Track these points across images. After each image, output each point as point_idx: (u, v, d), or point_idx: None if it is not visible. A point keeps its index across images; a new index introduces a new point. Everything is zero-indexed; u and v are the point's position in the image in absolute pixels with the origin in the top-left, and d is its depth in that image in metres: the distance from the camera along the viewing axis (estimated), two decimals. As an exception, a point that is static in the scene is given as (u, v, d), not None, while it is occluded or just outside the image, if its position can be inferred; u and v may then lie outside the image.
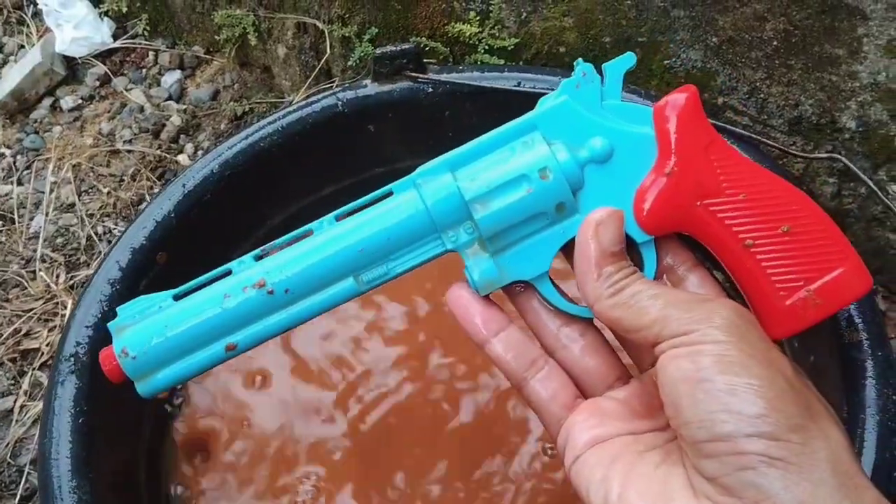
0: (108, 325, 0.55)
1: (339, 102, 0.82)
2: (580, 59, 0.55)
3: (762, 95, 0.88)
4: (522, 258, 0.55)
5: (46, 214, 1.21)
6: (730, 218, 0.53)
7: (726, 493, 0.43)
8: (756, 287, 0.53)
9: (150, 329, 0.54)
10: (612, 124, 0.54)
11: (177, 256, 0.78)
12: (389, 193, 0.55)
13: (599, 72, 0.55)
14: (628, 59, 0.54)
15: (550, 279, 0.56)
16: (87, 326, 0.74)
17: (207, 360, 0.55)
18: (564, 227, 0.54)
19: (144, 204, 1.15)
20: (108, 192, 1.22)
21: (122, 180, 1.23)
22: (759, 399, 0.42)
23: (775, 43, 0.84)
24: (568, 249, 0.54)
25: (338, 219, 0.55)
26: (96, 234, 1.19)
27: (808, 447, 0.42)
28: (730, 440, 0.42)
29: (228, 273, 0.55)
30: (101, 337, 0.73)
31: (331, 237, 0.54)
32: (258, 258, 0.55)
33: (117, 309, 0.55)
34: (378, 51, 0.81)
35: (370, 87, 0.82)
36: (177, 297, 0.55)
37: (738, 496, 0.42)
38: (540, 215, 0.54)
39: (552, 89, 0.56)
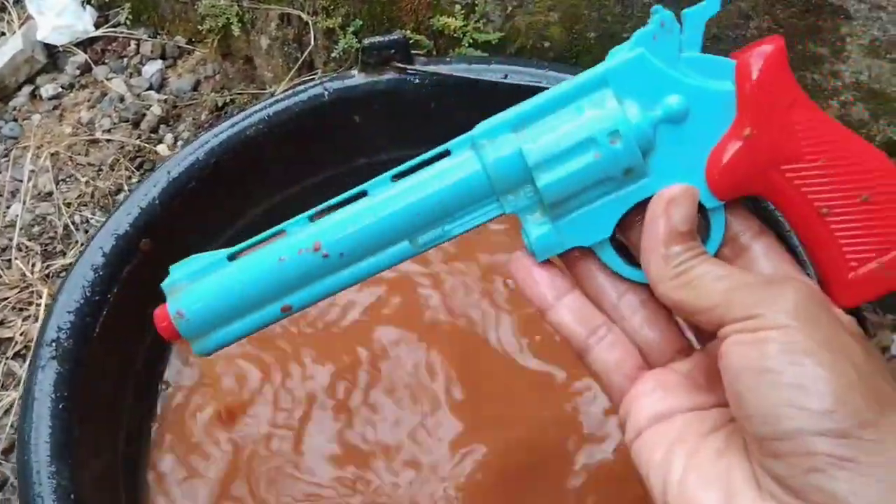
0: (162, 285, 0.53)
1: (326, 92, 0.82)
2: (659, 6, 0.50)
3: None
4: (584, 223, 0.52)
5: (24, 203, 1.20)
6: (807, 185, 0.50)
7: (793, 494, 0.40)
8: (827, 255, 0.51)
9: (205, 290, 0.53)
10: (690, 80, 0.50)
11: (161, 244, 0.78)
12: (447, 153, 0.52)
13: (678, 20, 0.50)
14: (712, 5, 0.50)
15: (611, 245, 0.53)
16: (68, 312, 0.73)
17: (263, 320, 0.53)
18: (630, 191, 0.51)
19: (126, 192, 1.15)
20: (87, 182, 1.21)
21: (100, 170, 1.22)
22: (826, 392, 0.40)
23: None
24: (627, 219, 0.52)
25: (394, 178, 0.52)
26: (73, 223, 1.18)
27: (881, 445, 0.39)
28: (796, 438, 0.40)
29: (283, 233, 0.53)
30: (83, 323, 0.73)
31: (387, 198, 0.52)
32: (312, 218, 0.53)
33: (170, 268, 0.53)
34: (366, 41, 0.81)
35: (357, 78, 0.82)
36: (231, 258, 0.53)
37: (806, 499, 0.40)
38: (607, 180, 0.50)
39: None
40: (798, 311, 0.42)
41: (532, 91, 0.52)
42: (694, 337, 0.55)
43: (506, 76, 0.79)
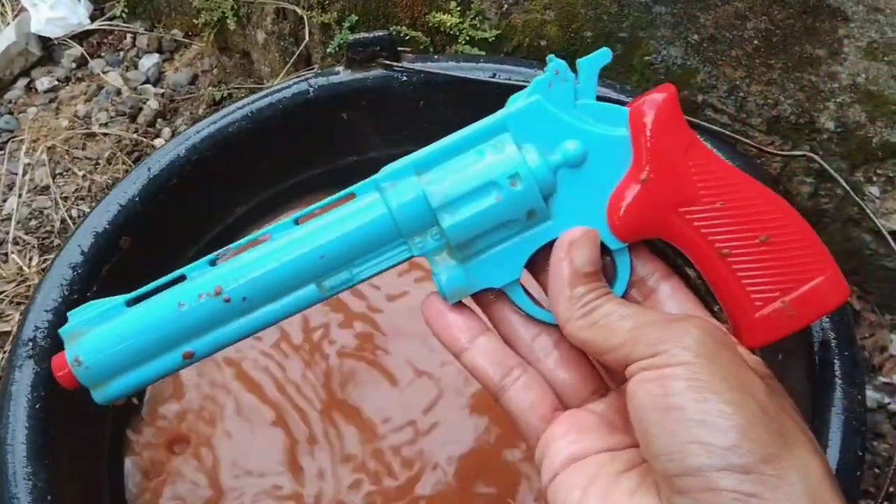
0: (60, 331, 0.53)
1: (311, 88, 0.80)
2: (552, 56, 0.52)
3: (741, 94, 0.87)
4: (492, 265, 0.52)
5: (20, 196, 1.19)
6: (706, 226, 0.51)
7: None
8: (730, 296, 0.52)
9: (103, 337, 0.52)
10: (586, 126, 0.51)
11: (141, 241, 0.77)
12: (352, 196, 0.52)
13: (573, 68, 0.52)
14: (604, 56, 0.52)
15: (522, 287, 0.53)
16: (46, 311, 0.72)
17: (164, 368, 0.52)
18: (536, 233, 0.52)
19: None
20: (84, 175, 1.20)
21: (97, 163, 1.22)
22: (730, 427, 0.40)
23: (756, 42, 0.84)
24: (535, 261, 0.53)
25: (297, 222, 0.52)
26: (70, 217, 1.18)
27: (784, 480, 0.40)
28: (701, 475, 0.40)
29: (183, 278, 0.52)
30: (60, 322, 0.70)
31: (290, 241, 0.51)
32: (213, 263, 0.52)
33: (68, 314, 0.53)
34: (352, 37, 0.79)
35: (343, 74, 0.81)
36: (129, 303, 0.52)
37: None
38: (510, 223, 0.51)
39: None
40: (700, 347, 0.43)
41: (521, 90, 0.52)
42: (607, 378, 0.55)
43: (494, 75, 0.78)
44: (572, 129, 0.51)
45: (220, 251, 0.53)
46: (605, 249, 0.52)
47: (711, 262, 0.51)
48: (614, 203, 0.51)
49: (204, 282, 0.51)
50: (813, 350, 0.65)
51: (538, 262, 0.53)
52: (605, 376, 0.54)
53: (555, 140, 0.51)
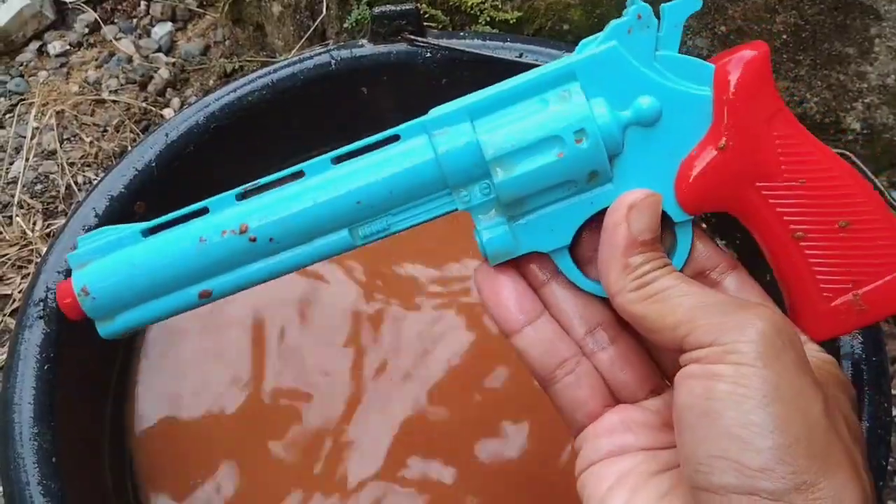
0: (67, 256, 0.49)
1: (333, 61, 0.79)
2: None
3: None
4: (542, 227, 0.48)
5: (26, 160, 1.18)
6: (783, 205, 0.47)
7: None
8: (798, 283, 0.48)
9: (114, 267, 0.48)
10: (664, 81, 0.46)
11: (155, 208, 0.75)
12: (396, 137, 0.48)
13: (656, 15, 0.46)
14: (692, 3, 0.46)
15: (570, 256, 0.49)
16: (58, 272, 0.71)
17: (178, 305, 0.49)
18: (593, 196, 0.47)
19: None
20: (91, 142, 1.19)
21: (105, 130, 1.21)
22: (767, 448, 0.37)
23: (784, 36, 0.83)
24: (588, 228, 0.48)
25: (334, 161, 0.48)
26: (76, 183, 1.17)
27: None
28: (725, 495, 0.37)
29: (205, 211, 0.49)
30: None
31: (325, 181, 0.47)
32: (240, 197, 0.48)
33: (78, 239, 0.50)
34: (377, 9, 0.78)
35: (366, 48, 0.79)
36: (146, 233, 0.49)
37: None
38: (569, 183, 0.47)
39: None
40: (762, 343, 0.39)
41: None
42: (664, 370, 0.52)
43: (521, 55, 0.77)
44: (649, 82, 0.46)
45: (248, 185, 0.49)
46: (665, 221, 0.48)
47: (782, 244, 0.47)
48: (685, 170, 0.47)
49: (229, 217, 0.48)
50: (840, 353, 0.63)
51: (581, 231, 0.49)
52: (660, 369, 0.51)
53: (628, 94, 0.47)
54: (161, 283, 0.49)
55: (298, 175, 0.48)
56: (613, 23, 0.47)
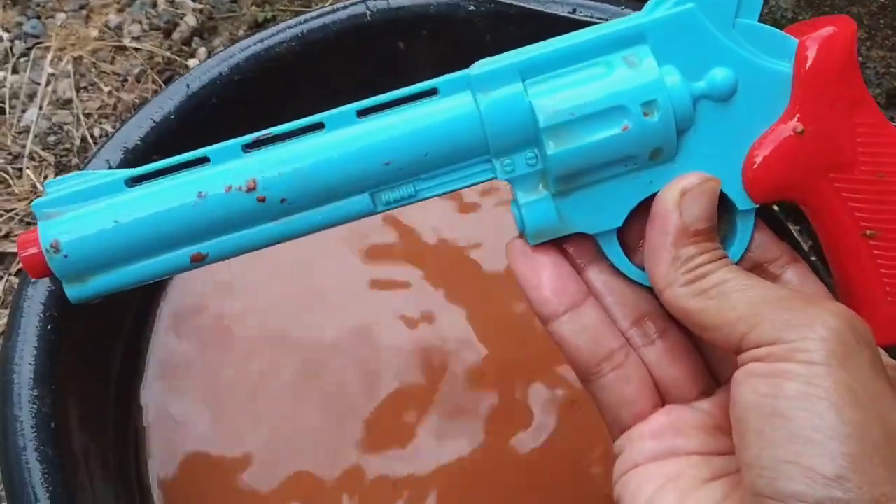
0: (33, 204, 0.43)
1: (369, 12, 0.73)
2: None
3: (860, 59, 0.79)
4: (591, 206, 0.43)
5: (40, 108, 1.13)
6: (856, 199, 0.43)
7: None
8: (862, 284, 0.45)
9: (93, 220, 0.42)
10: (743, 52, 0.42)
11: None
12: (433, 91, 0.43)
13: None
14: None
15: (618, 239, 0.45)
16: (65, 229, 0.66)
17: (165, 268, 0.43)
18: (653, 175, 0.43)
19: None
20: (110, 92, 1.14)
21: (125, 80, 1.15)
22: (841, 455, 0.34)
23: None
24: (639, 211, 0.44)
25: (359, 113, 0.43)
26: (92, 136, 1.12)
27: None
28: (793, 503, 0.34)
29: (205, 160, 0.43)
30: None
31: (349, 137, 0.42)
32: (248, 147, 0.43)
33: (46, 184, 0.43)
34: (420, -44, 0.73)
35: (406, -1, 0.74)
36: (131, 182, 0.43)
37: None
38: (629, 159, 0.42)
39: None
40: (836, 342, 0.36)
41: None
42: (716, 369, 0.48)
43: (574, 11, 0.71)
44: (727, 52, 0.42)
45: (258, 134, 0.43)
46: (721, 208, 0.43)
47: (850, 241, 0.44)
48: (755, 151, 0.43)
49: (234, 170, 0.42)
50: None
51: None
52: (712, 368, 0.47)
53: (703, 63, 0.42)
54: (148, 243, 0.42)
55: (318, 127, 0.43)
56: None
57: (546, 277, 0.44)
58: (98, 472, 0.66)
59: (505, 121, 0.42)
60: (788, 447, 0.34)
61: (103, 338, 0.72)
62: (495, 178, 0.43)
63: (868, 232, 0.44)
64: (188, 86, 0.71)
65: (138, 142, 0.69)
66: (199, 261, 0.43)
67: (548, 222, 0.43)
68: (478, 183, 0.44)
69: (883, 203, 0.44)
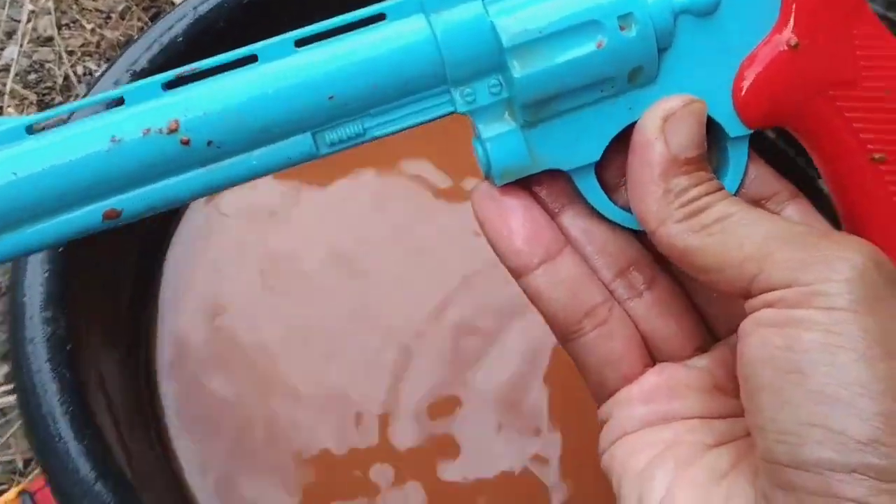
0: None
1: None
2: None
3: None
4: (565, 138, 0.38)
5: (20, 46, 1.10)
6: (861, 118, 0.38)
7: None
8: (875, 216, 0.40)
9: None
10: None
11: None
12: (381, 16, 0.37)
13: None
14: None
15: (596, 176, 0.39)
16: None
17: (73, 228, 0.36)
18: (632, 100, 0.38)
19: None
20: (92, 29, 1.11)
21: (108, 17, 1.12)
22: (875, 415, 0.28)
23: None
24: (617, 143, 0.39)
25: (297, 43, 0.37)
26: (75, 73, 1.09)
27: None
28: (820, 473, 0.29)
29: (120, 102, 0.36)
30: None
31: (286, 69, 0.36)
32: (168, 85, 0.36)
33: None
34: None
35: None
36: (32, 130, 0.36)
37: None
38: (606, 81, 0.37)
39: None
40: (861, 283, 0.30)
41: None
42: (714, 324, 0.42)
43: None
44: None
45: (180, 70, 0.37)
46: (711, 137, 0.39)
47: (856, 166, 0.39)
48: (744, 71, 0.38)
49: (154, 111, 0.36)
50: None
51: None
52: (709, 320, 0.41)
53: None
54: (53, 199, 0.36)
55: (251, 60, 0.37)
56: None
57: (517, 224, 0.39)
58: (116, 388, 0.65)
59: (465, 42, 0.36)
60: (811, 407, 0.29)
61: (117, 258, 0.70)
62: (455, 111, 0.38)
63: (877, 156, 0.39)
64: (195, 8, 0.68)
65: (146, 65, 0.66)
66: (112, 218, 0.37)
67: (516, 158, 0.38)
68: (435, 118, 0.38)
69: (892, 123, 0.39)
